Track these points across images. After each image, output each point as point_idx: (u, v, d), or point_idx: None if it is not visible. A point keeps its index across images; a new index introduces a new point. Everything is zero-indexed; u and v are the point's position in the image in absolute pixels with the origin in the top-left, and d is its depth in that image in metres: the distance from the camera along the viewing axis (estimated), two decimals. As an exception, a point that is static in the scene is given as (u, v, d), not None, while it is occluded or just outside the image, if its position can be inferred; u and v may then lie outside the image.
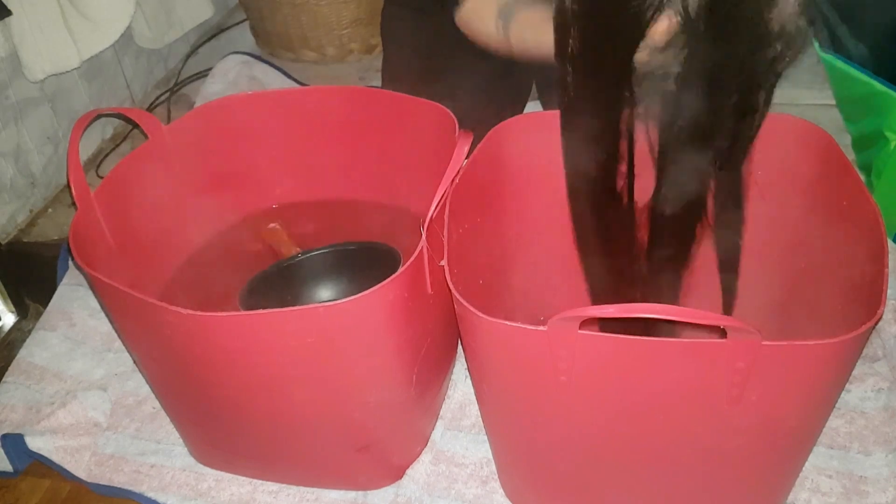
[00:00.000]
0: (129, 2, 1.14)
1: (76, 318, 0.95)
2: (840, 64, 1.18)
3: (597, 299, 0.73)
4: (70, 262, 1.01)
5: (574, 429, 0.60)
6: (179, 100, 1.33)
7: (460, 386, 0.82)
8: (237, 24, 1.53)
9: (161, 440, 0.81)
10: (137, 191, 0.81)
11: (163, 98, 1.34)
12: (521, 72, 1.04)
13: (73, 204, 0.73)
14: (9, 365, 0.90)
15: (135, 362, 0.82)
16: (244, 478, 0.76)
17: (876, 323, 0.51)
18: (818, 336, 0.49)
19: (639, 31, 0.57)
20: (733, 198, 0.68)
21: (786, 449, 0.61)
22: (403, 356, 0.65)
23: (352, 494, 0.74)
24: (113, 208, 0.76)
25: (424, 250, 0.61)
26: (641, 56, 0.58)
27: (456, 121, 0.75)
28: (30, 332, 0.95)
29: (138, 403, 0.85)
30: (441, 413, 0.79)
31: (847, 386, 0.77)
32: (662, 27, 0.57)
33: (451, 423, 0.79)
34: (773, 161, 0.71)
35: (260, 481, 0.76)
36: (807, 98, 1.17)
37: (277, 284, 0.84)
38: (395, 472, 0.75)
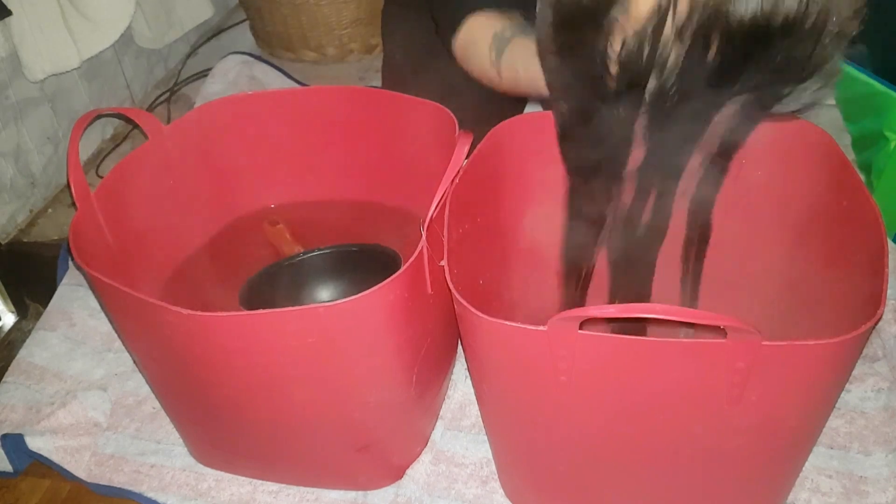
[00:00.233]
0: (129, 2, 1.14)
1: (76, 318, 0.94)
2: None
3: (568, 262, 0.74)
4: (70, 262, 1.01)
5: (574, 429, 0.60)
6: (179, 100, 1.33)
7: (460, 386, 0.82)
8: (237, 24, 1.53)
9: (161, 440, 0.81)
10: (137, 191, 0.80)
11: (163, 98, 1.34)
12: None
13: (73, 204, 0.73)
14: (9, 365, 0.90)
15: (135, 362, 0.82)
16: (244, 478, 0.76)
17: (876, 323, 0.51)
18: (818, 336, 0.49)
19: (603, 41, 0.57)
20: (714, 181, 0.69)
21: (786, 449, 0.61)
22: (403, 356, 0.65)
23: (352, 494, 0.74)
24: (113, 208, 0.76)
25: (424, 250, 0.61)
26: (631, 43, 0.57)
27: (456, 121, 0.75)
28: (30, 332, 0.95)
29: (138, 403, 0.85)
30: (441, 413, 0.79)
31: (847, 386, 0.77)
32: (648, 7, 0.56)
33: (451, 423, 0.79)
34: (773, 161, 0.72)
35: (260, 481, 0.76)
36: (807, 98, 1.16)
37: (277, 284, 0.84)
38: (395, 472, 0.75)
